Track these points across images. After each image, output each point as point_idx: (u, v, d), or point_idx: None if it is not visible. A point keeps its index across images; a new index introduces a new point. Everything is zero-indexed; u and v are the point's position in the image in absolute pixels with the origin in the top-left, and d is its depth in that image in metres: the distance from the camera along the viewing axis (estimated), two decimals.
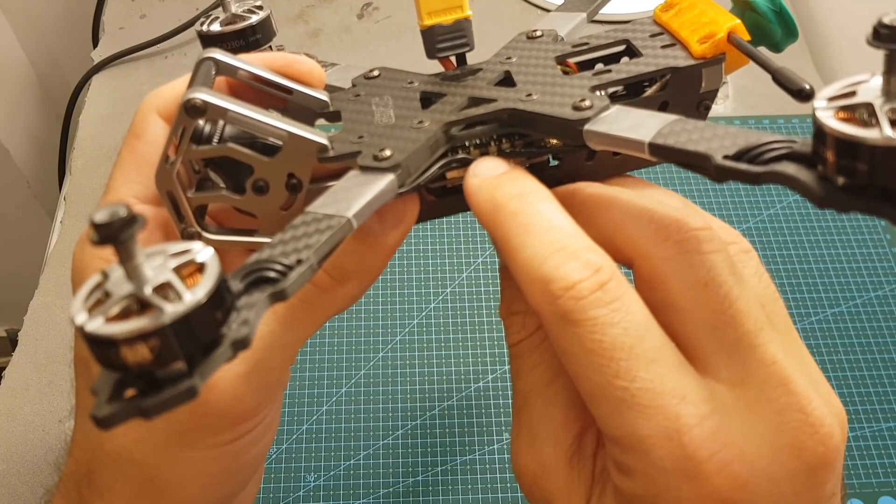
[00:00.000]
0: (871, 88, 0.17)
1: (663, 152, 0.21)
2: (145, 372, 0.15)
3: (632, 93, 0.26)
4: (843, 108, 0.17)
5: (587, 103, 0.23)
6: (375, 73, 0.28)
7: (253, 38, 0.28)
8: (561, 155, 0.26)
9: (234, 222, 0.28)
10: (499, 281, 0.27)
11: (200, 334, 0.15)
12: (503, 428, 0.46)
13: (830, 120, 0.17)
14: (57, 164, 0.80)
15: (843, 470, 0.22)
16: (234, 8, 0.29)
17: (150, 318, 0.15)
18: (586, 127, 0.22)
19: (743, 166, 0.19)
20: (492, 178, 0.23)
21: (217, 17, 0.29)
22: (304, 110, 0.26)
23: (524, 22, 0.28)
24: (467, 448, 0.45)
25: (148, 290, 0.15)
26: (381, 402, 0.47)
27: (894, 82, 0.16)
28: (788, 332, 0.22)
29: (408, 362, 0.48)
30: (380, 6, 0.70)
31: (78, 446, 0.27)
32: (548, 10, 0.68)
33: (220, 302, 0.16)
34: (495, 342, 0.49)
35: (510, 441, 0.25)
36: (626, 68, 0.25)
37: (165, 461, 0.25)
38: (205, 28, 0.28)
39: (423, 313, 0.50)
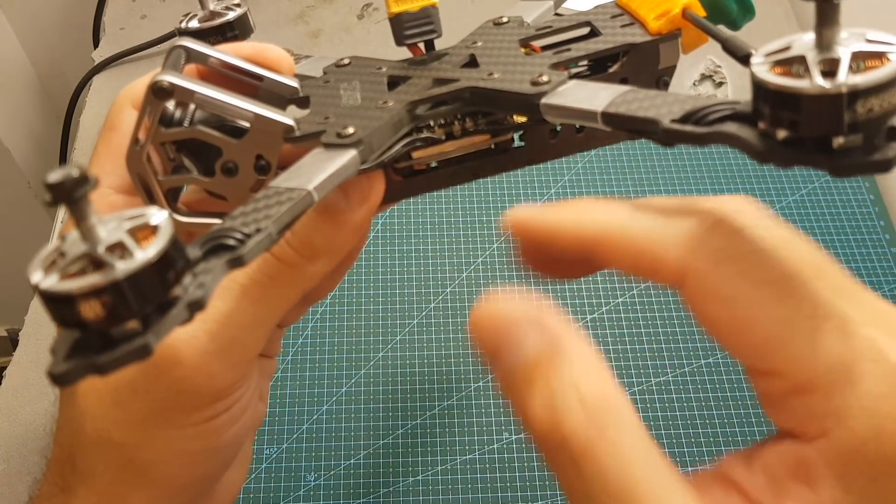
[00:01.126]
0: (804, 42, 0.17)
1: (615, 120, 0.21)
2: (101, 332, 0.16)
3: (596, 72, 0.27)
4: (778, 63, 0.17)
5: (545, 78, 0.24)
6: (346, 61, 0.28)
7: (231, 34, 0.29)
8: (524, 133, 0.27)
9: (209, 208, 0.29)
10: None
11: (153, 292, 0.16)
12: (503, 428, 0.46)
13: (766, 74, 0.17)
14: (58, 164, 0.80)
15: None
16: (213, 5, 0.29)
17: (103, 274, 0.15)
18: (543, 100, 0.23)
19: (688, 128, 0.19)
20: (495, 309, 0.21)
21: (195, 15, 0.30)
22: (275, 97, 0.27)
23: (496, 12, 0.29)
24: (467, 448, 0.45)
25: (101, 249, 0.16)
26: (381, 402, 0.47)
27: (826, 34, 0.17)
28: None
29: (408, 362, 0.48)
30: (380, 6, 0.70)
31: (61, 432, 0.27)
32: None
33: (173, 261, 0.16)
34: None
35: None
36: (585, 46, 0.26)
37: (144, 441, 0.25)
38: (183, 25, 0.29)
39: (423, 313, 0.50)
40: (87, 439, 0.25)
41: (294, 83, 0.27)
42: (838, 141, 0.16)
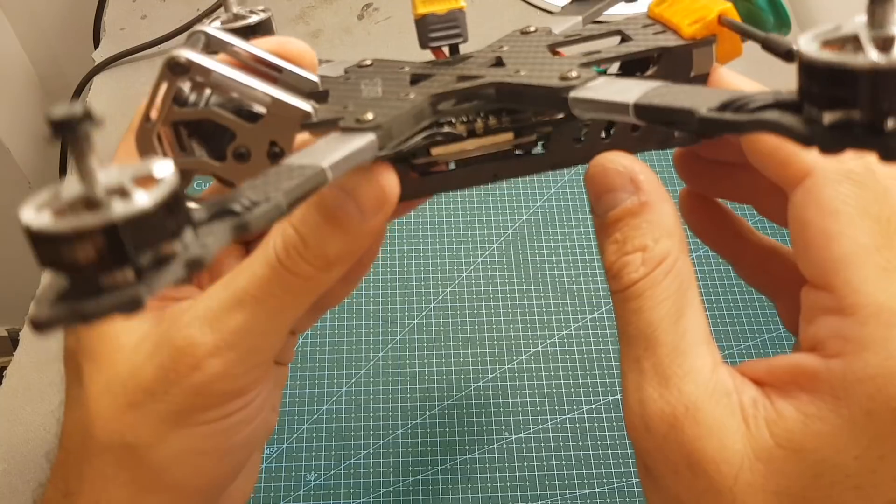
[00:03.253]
0: (856, 23, 0.17)
1: (648, 112, 0.21)
2: (91, 279, 0.15)
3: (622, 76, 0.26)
4: (828, 42, 0.17)
5: (574, 73, 0.23)
6: (368, 62, 0.28)
7: (252, 37, 0.28)
8: (548, 135, 0.26)
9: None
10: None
11: (150, 240, 0.15)
12: (503, 427, 0.46)
13: (816, 52, 0.16)
14: (58, 163, 0.80)
15: None
16: (236, 9, 0.29)
17: (98, 214, 0.15)
18: (571, 94, 0.22)
19: (727, 116, 0.18)
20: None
21: (219, 17, 0.29)
22: (293, 90, 0.26)
23: (523, 23, 0.29)
24: (467, 447, 0.45)
25: (99, 191, 0.15)
26: (381, 401, 0.47)
27: (879, 12, 0.16)
28: None
29: (408, 362, 0.48)
30: (380, 7, 0.70)
31: (67, 437, 0.27)
32: (546, 11, 0.68)
33: (174, 212, 0.16)
34: (495, 342, 0.49)
35: (626, 397, 0.23)
36: (616, 48, 0.26)
37: (157, 441, 0.25)
38: (206, 26, 0.29)
39: (423, 313, 0.50)
40: (97, 443, 0.25)
41: (314, 77, 0.26)
42: (891, 122, 0.16)
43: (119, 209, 0.15)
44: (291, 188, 0.19)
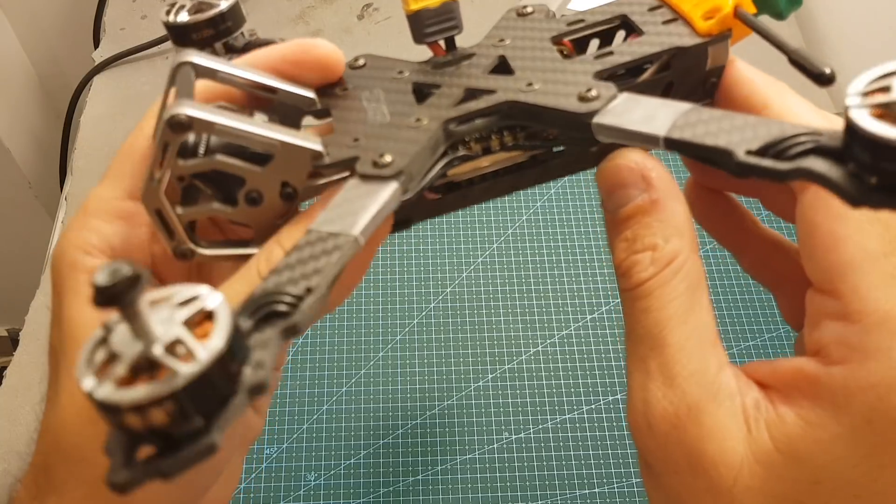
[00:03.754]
0: None
1: (680, 147, 0.20)
2: (165, 436, 0.14)
3: (632, 72, 0.25)
4: (879, 106, 0.16)
5: (594, 93, 0.22)
6: (361, 61, 0.27)
7: (223, 25, 0.27)
8: (564, 146, 0.25)
9: (219, 233, 0.28)
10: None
11: (217, 391, 0.15)
12: (503, 428, 0.46)
13: (866, 120, 0.16)
14: (58, 164, 0.80)
15: None
16: None
17: (164, 382, 0.14)
18: (595, 120, 0.22)
19: (768, 163, 0.18)
20: None
21: (183, 6, 0.27)
22: (291, 108, 0.25)
23: (497, 11, 0.27)
24: (467, 447, 0.45)
25: (158, 350, 0.14)
26: (381, 401, 0.47)
27: None
28: None
29: (408, 362, 0.48)
30: (380, 7, 0.70)
31: (41, 436, 0.26)
32: None
33: (234, 354, 0.15)
34: (495, 342, 0.49)
35: (630, 395, 0.23)
36: (630, 49, 0.24)
37: None
38: (171, 18, 0.27)
39: (423, 313, 0.50)
40: (62, 452, 0.25)
41: (310, 94, 0.25)
42: None
43: (184, 372, 0.14)
44: (329, 268, 0.18)
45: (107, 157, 0.60)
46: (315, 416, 0.46)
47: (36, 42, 0.89)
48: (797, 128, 0.18)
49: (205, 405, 0.15)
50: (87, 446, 0.24)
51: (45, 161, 0.90)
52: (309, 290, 0.18)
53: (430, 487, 0.44)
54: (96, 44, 0.71)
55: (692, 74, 0.25)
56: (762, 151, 0.18)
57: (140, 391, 0.14)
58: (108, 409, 0.14)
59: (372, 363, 0.48)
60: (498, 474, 0.44)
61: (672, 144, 0.20)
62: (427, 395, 0.47)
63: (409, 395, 0.47)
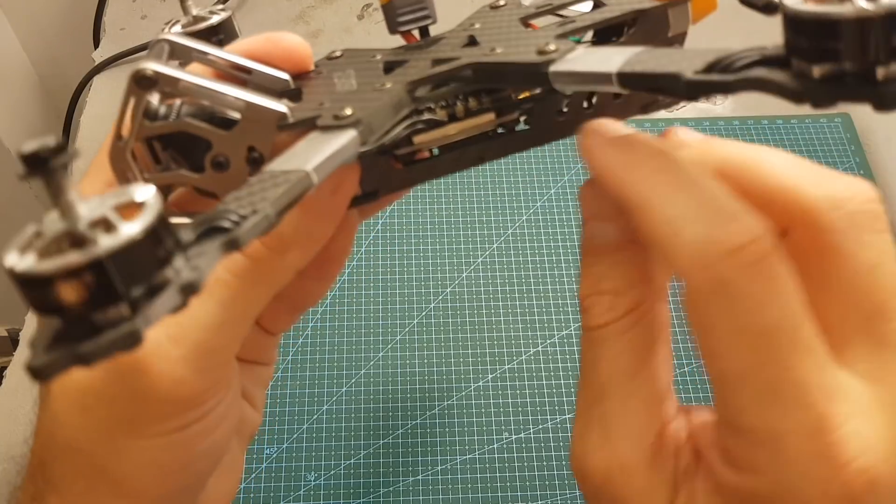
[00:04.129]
0: None
1: (632, 80, 0.20)
2: (84, 318, 0.14)
3: (598, 43, 0.26)
4: None
5: (552, 47, 0.22)
6: (338, 53, 0.27)
7: (216, 38, 0.28)
8: (530, 111, 0.26)
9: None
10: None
11: (141, 271, 0.14)
12: (503, 428, 0.46)
13: (801, 5, 0.16)
14: None
15: None
16: (196, 10, 0.28)
17: (84, 250, 0.14)
18: (551, 68, 0.22)
19: (714, 77, 0.18)
20: (621, 136, 0.22)
21: (178, 21, 0.28)
22: (265, 90, 0.26)
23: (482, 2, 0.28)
24: (467, 447, 0.45)
25: (82, 225, 0.14)
26: (381, 401, 0.47)
27: None
28: None
29: (408, 362, 0.48)
30: (380, 7, 0.70)
31: (35, 437, 0.26)
32: None
33: (162, 238, 0.15)
34: (495, 342, 0.49)
35: (573, 438, 0.23)
36: (591, 16, 0.25)
37: (113, 450, 0.24)
38: (166, 32, 0.28)
39: (423, 313, 0.50)
40: (57, 447, 0.24)
41: (285, 76, 0.26)
42: (883, 70, 0.15)
43: (105, 243, 0.14)
44: (278, 196, 0.19)
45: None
46: (315, 416, 0.46)
47: (36, 42, 0.89)
48: (742, 47, 0.18)
49: (128, 289, 0.14)
50: (82, 436, 0.24)
51: None
52: (254, 212, 0.18)
53: (430, 487, 0.44)
54: (96, 44, 0.71)
55: (654, 41, 0.25)
56: (708, 69, 0.18)
57: (59, 260, 0.14)
58: (29, 284, 0.14)
59: (372, 363, 0.48)
60: (498, 474, 0.44)
61: (624, 78, 0.20)
62: (427, 395, 0.47)
63: (409, 395, 0.47)
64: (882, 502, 0.18)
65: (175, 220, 0.25)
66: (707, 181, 0.20)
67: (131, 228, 0.14)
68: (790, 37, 0.17)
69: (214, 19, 0.28)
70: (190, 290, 0.15)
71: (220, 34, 0.28)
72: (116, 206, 0.15)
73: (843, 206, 0.20)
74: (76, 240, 0.14)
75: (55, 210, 0.15)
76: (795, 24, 0.16)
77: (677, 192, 0.19)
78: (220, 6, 0.29)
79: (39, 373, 0.14)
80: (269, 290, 0.24)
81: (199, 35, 0.27)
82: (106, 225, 0.15)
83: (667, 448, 0.22)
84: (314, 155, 0.21)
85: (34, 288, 0.14)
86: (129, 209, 0.15)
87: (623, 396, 0.22)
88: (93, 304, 0.14)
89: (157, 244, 0.15)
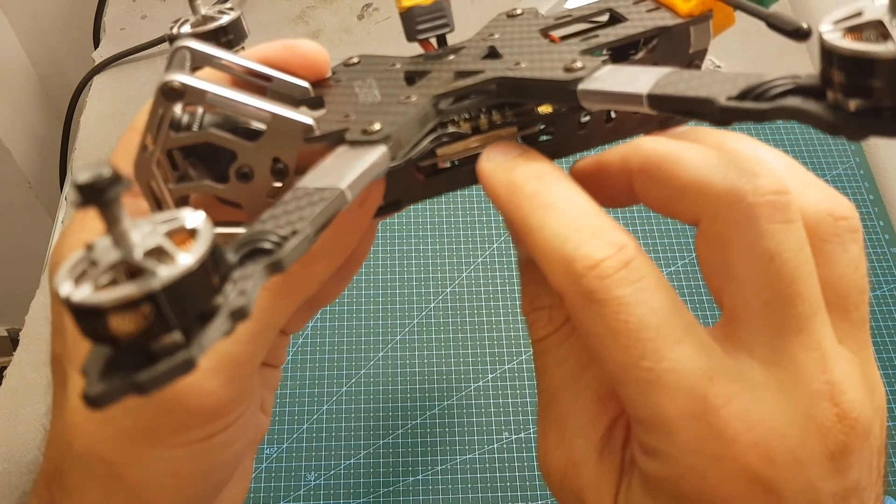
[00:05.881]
0: (876, 7, 0.16)
1: (663, 103, 0.20)
2: (138, 346, 0.14)
3: (618, 61, 0.26)
4: (851, 29, 0.16)
5: (578, 64, 0.23)
6: (355, 59, 0.27)
7: (224, 38, 0.27)
8: (552, 125, 0.26)
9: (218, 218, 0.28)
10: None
11: (196, 301, 0.15)
12: (503, 428, 0.46)
13: (839, 40, 0.16)
14: (58, 164, 0.80)
15: (881, 466, 0.22)
16: (205, 10, 0.28)
17: (141, 282, 0.14)
18: (580, 86, 0.22)
19: (748, 105, 0.18)
20: (507, 161, 0.23)
21: (187, 20, 0.28)
22: (285, 98, 0.26)
23: (496, 11, 0.28)
24: (467, 447, 0.45)
25: (138, 255, 0.14)
26: (381, 401, 0.47)
27: None
28: (858, 326, 0.22)
29: (408, 362, 0.48)
30: (380, 7, 0.70)
31: (50, 445, 0.26)
32: None
33: (215, 266, 0.15)
34: (495, 342, 0.49)
35: (537, 440, 0.25)
36: (614, 31, 0.25)
37: (134, 459, 0.24)
38: (175, 31, 0.28)
39: (423, 313, 0.50)
40: (75, 455, 0.24)
41: (305, 84, 0.26)
42: None
43: (163, 274, 0.14)
44: (315, 216, 0.19)
45: (107, 156, 0.60)
46: (315, 416, 0.46)
47: (36, 42, 0.89)
48: (775, 74, 0.18)
49: (184, 316, 0.14)
50: (102, 445, 0.24)
51: (45, 161, 0.90)
52: (294, 233, 0.18)
53: (430, 487, 0.44)
54: (96, 44, 0.71)
55: (675, 58, 0.25)
56: (742, 96, 0.18)
57: (116, 292, 0.14)
58: (85, 314, 0.14)
59: (372, 363, 0.48)
60: (498, 474, 0.44)
61: (655, 101, 0.20)
62: (427, 395, 0.47)
63: (409, 395, 0.47)
64: (784, 476, 0.19)
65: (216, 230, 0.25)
66: (576, 202, 0.21)
67: (187, 259, 0.14)
68: (827, 69, 0.17)
69: (224, 20, 0.27)
70: (239, 315, 0.15)
71: (230, 34, 0.27)
72: (170, 232, 0.15)
73: (744, 198, 0.20)
74: (132, 270, 0.14)
75: (108, 237, 0.15)
76: (833, 59, 0.16)
77: (546, 216, 0.21)
78: (222, 6, 0.29)
79: (96, 402, 0.14)
80: (295, 301, 0.25)
81: (208, 36, 0.27)
82: (160, 254, 0.15)
83: (614, 442, 0.23)
84: (347, 172, 0.21)
85: (90, 318, 0.14)
86: (181, 235, 0.15)
87: (571, 398, 0.24)
88: (149, 334, 0.14)
89: (212, 272, 0.15)
